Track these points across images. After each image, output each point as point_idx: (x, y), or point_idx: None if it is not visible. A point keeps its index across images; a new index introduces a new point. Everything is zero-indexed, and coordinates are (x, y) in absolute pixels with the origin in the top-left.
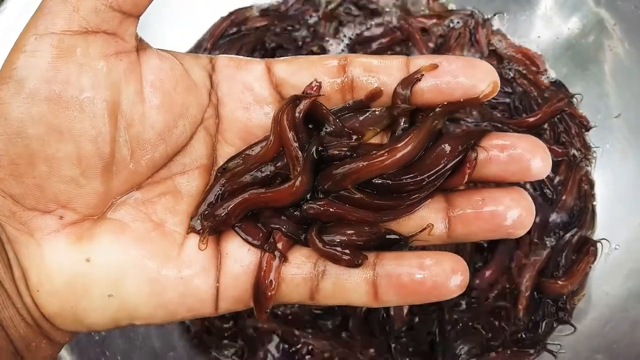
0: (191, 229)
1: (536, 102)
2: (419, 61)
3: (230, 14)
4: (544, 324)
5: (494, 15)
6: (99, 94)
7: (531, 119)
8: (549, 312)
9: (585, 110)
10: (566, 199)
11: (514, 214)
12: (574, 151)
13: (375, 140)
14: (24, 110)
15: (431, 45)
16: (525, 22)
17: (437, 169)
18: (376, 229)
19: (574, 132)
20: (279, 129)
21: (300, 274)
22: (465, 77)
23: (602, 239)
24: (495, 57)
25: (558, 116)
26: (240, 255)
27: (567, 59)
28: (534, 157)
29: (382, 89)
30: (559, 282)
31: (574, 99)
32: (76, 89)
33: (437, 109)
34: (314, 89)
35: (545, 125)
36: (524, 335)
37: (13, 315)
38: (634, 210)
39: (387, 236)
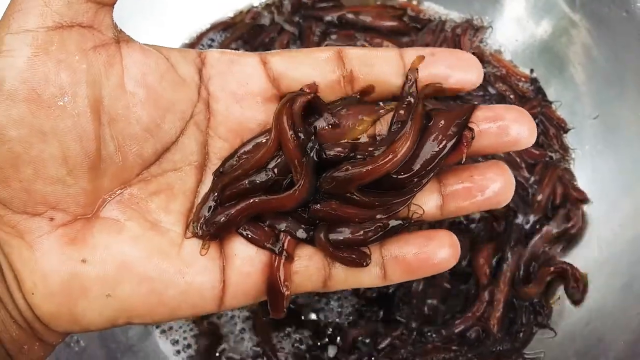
0: (193, 234)
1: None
2: (411, 52)
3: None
4: (521, 334)
5: (486, 26)
6: (79, 91)
7: None
8: (527, 318)
9: (563, 111)
10: (542, 200)
11: (497, 186)
12: (551, 154)
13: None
14: (4, 112)
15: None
16: (503, 26)
17: (435, 156)
18: (380, 223)
19: (552, 134)
20: (279, 130)
21: (313, 265)
22: (455, 68)
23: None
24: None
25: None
26: (248, 254)
27: (545, 61)
28: (521, 126)
29: (379, 79)
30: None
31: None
32: (56, 86)
33: (419, 97)
34: (311, 88)
35: None
36: (501, 348)
37: (5, 317)
38: (613, 212)
39: (392, 225)
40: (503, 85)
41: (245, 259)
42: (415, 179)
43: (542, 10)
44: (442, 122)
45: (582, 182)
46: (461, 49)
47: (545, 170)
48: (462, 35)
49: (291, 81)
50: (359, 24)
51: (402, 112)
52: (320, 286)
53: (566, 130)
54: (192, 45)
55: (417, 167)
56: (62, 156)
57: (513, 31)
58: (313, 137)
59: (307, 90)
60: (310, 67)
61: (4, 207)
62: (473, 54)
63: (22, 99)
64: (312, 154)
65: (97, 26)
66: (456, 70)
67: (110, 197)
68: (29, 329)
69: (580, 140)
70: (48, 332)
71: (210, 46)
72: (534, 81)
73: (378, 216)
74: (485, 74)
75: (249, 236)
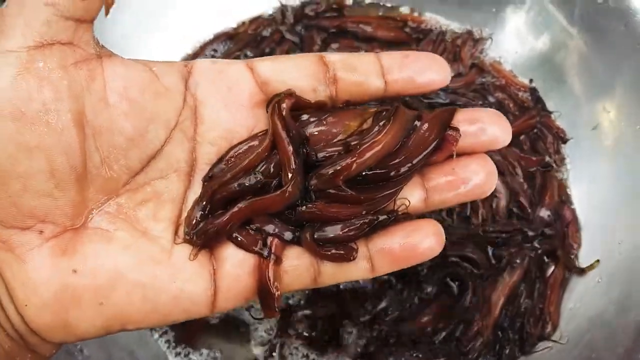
0: (184, 240)
1: (513, 115)
2: (387, 56)
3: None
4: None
5: (486, 37)
6: (62, 106)
7: None
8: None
9: (562, 122)
10: (540, 212)
11: (480, 176)
12: (548, 158)
13: None
14: None
15: None
16: (503, 38)
17: (420, 151)
18: (365, 219)
19: (549, 143)
20: (275, 133)
21: (302, 264)
22: (426, 69)
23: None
24: (476, 70)
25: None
26: (237, 258)
27: (544, 72)
28: (497, 127)
29: (361, 80)
30: None
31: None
32: (39, 103)
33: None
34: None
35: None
36: None
37: None
38: (611, 222)
39: (377, 221)
40: (502, 94)
41: (235, 262)
42: (401, 174)
43: (542, 25)
44: (427, 122)
45: (580, 192)
46: (461, 59)
47: (544, 182)
48: (462, 46)
49: (279, 84)
50: (360, 34)
51: (384, 113)
52: (310, 283)
53: (565, 141)
54: (196, 55)
55: (404, 162)
56: (49, 170)
57: (513, 44)
58: (305, 140)
59: (288, 93)
60: (296, 70)
61: None
62: (473, 64)
63: (7, 116)
64: (302, 154)
65: (77, 42)
66: (427, 71)
67: (98, 207)
68: (21, 341)
69: (579, 151)
70: (41, 344)
71: (213, 56)
72: (533, 91)
73: (364, 212)
74: (484, 83)
75: (238, 241)
